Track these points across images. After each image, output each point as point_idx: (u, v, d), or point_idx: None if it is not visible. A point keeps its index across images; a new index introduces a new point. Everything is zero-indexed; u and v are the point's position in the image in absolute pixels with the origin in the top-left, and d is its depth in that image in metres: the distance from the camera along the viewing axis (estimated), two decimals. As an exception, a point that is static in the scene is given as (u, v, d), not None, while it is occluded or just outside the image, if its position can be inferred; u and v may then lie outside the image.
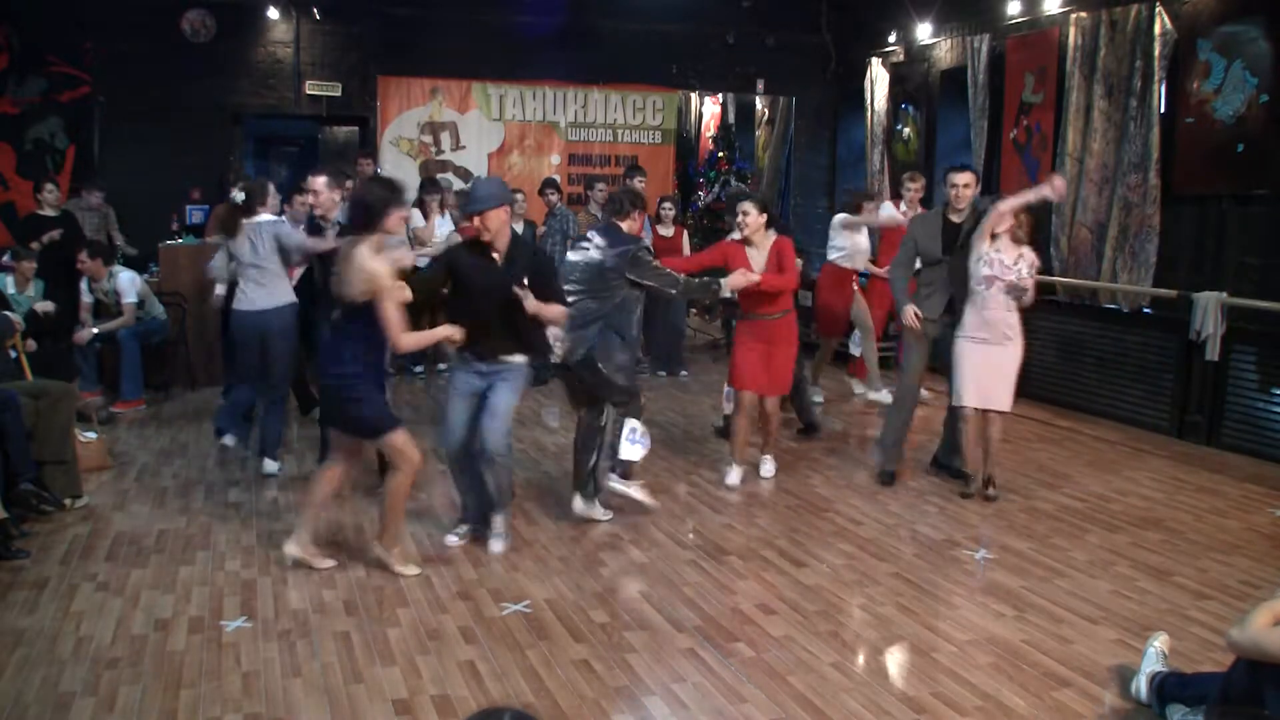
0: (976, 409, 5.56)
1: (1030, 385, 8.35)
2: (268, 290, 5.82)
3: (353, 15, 10.23)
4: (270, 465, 5.97)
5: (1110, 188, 7.68)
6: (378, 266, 4.07)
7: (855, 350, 8.38)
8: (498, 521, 4.80)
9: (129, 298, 7.42)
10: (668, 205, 9.16)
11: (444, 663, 3.69)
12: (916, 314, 5.78)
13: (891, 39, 10.56)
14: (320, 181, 5.72)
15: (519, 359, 4.66)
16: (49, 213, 8.23)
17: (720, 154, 11.73)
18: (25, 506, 4.98)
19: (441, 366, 8.67)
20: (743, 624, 4.07)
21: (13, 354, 6.10)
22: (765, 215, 5.67)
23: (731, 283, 5.49)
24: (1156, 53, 7.21)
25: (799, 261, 6.29)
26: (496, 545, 4.76)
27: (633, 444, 5.28)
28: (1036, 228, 5.90)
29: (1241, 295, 6.68)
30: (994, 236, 5.41)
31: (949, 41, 9.75)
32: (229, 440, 6.19)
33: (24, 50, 9.33)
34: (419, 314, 5.34)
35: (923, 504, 5.62)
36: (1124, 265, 7.56)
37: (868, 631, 4.04)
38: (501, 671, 3.64)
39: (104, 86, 9.54)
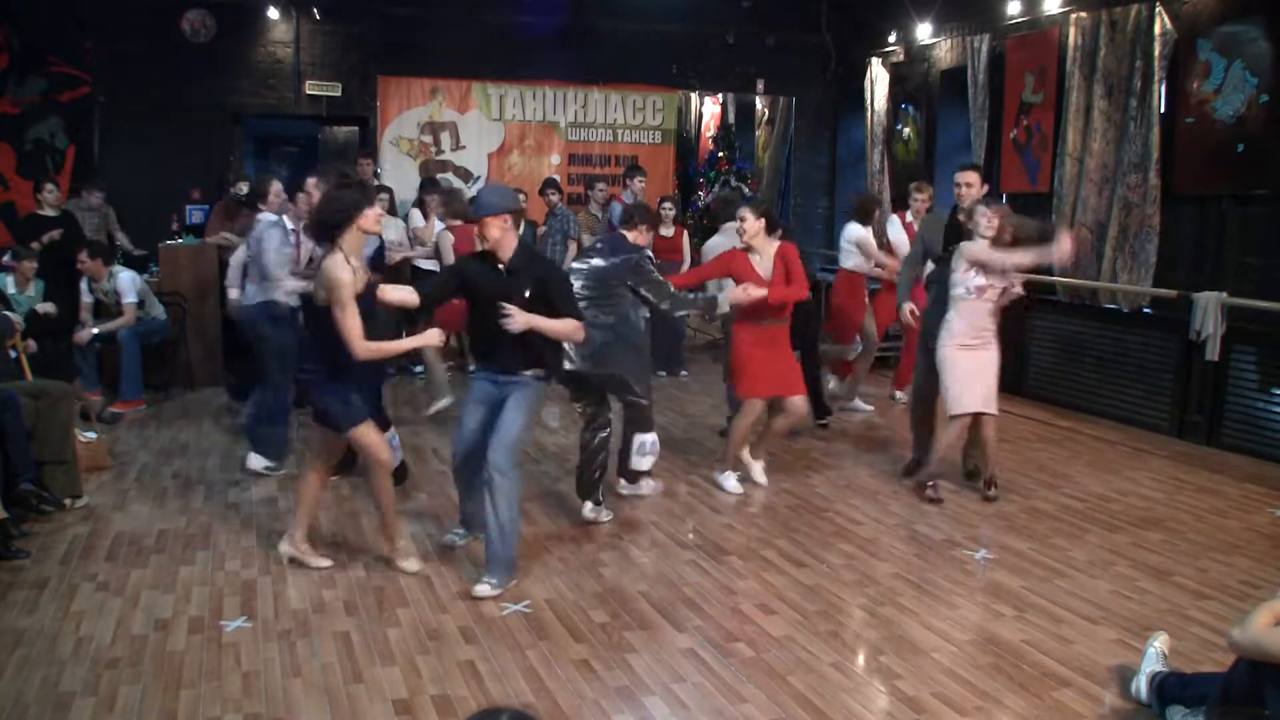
0: (971, 414, 5.55)
1: (1030, 385, 8.39)
2: (259, 287, 5.88)
3: (353, 15, 10.23)
4: (255, 461, 5.98)
5: (1110, 188, 7.68)
6: (342, 275, 4.12)
7: (852, 354, 8.35)
8: (492, 567, 4.34)
9: (129, 298, 7.42)
10: (668, 205, 9.15)
11: (444, 663, 3.69)
12: (913, 312, 5.87)
13: (891, 39, 10.56)
14: (311, 183, 5.76)
15: (530, 373, 4.44)
16: (49, 213, 8.23)
17: (720, 154, 11.74)
18: (25, 506, 4.98)
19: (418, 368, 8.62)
20: (743, 624, 4.07)
21: (13, 354, 6.11)
22: (764, 220, 5.56)
23: (734, 299, 5.45)
24: (1156, 53, 7.21)
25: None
26: (482, 589, 4.27)
27: (642, 456, 5.54)
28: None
29: (1241, 295, 6.68)
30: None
31: (949, 41, 9.75)
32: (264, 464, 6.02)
33: (24, 50, 9.33)
34: (420, 317, 5.37)
35: (923, 504, 5.62)
36: (1124, 265, 7.56)
37: (868, 631, 4.04)
38: (501, 671, 3.64)
39: (104, 86, 9.54)
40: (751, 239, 5.57)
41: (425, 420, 7.28)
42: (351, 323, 4.14)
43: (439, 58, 10.37)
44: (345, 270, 4.14)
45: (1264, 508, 5.68)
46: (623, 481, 5.70)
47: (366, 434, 4.39)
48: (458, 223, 7.34)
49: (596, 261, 5.28)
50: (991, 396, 5.52)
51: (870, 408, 7.91)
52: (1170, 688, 3.35)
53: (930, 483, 5.66)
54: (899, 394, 8.23)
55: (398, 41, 10.29)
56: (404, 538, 4.65)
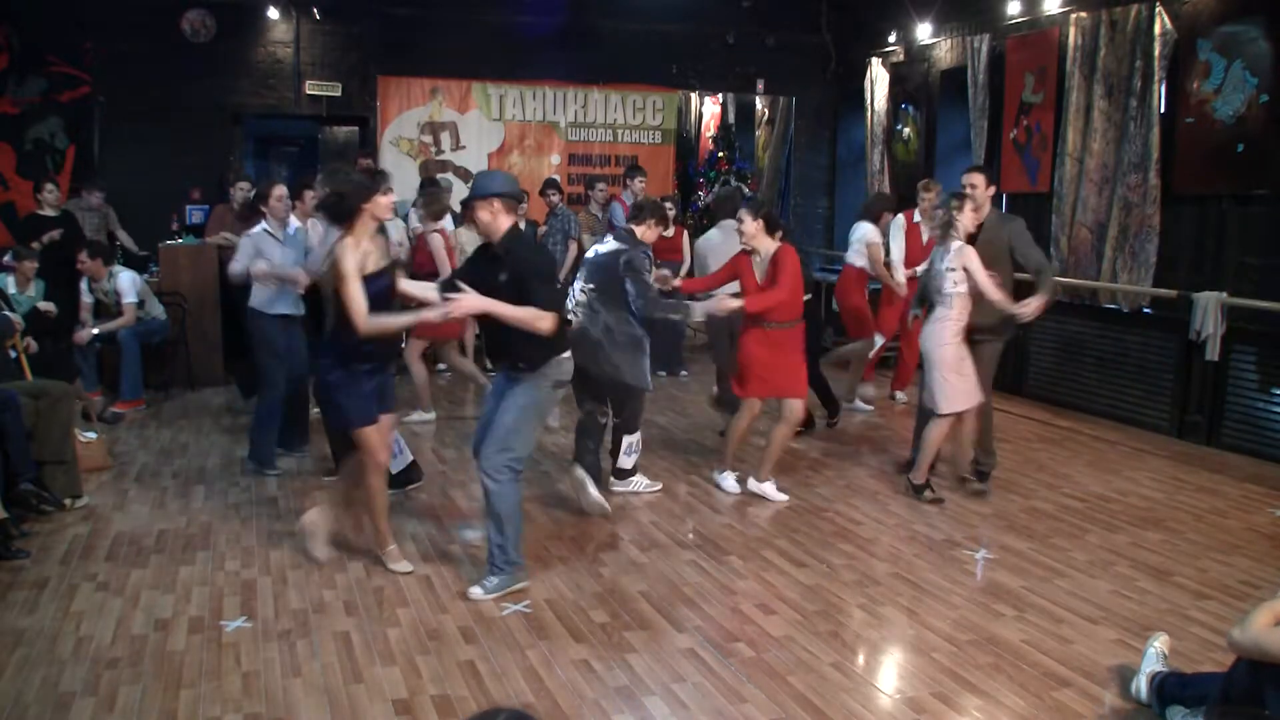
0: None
1: (1030, 385, 8.38)
2: (253, 289, 5.96)
3: (353, 15, 10.23)
4: (250, 463, 6.08)
5: (1110, 188, 7.68)
6: (347, 254, 4.15)
7: (872, 349, 8.31)
8: (488, 569, 4.32)
9: (129, 298, 7.42)
10: (668, 205, 9.16)
11: (444, 663, 3.69)
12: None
13: (891, 39, 10.56)
14: (318, 182, 5.81)
15: (526, 370, 4.29)
16: (49, 213, 8.23)
17: (720, 154, 11.73)
18: (25, 506, 4.98)
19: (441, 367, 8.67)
20: (743, 624, 4.07)
21: (13, 354, 6.11)
22: (761, 221, 5.52)
23: (706, 309, 5.50)
24: (1156, 53, 7.21)
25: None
26: (475, 592, 4.26)
27: (629, 455, 5.73)
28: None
29: (1241, 295, 6.68)
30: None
31: (949, 41, 9.75)
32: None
33: (24, 50, 9.33)
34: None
35: (923, 504, 5.62)
36: (1124, 265, 7.55)
37: (868, 631, 4.04)
38: (501, 671, 3.64)
39: (104, 86, 9.54)
40: (750, 240, 5.56)
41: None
42: (355, 295, 4.12)
43: (439, 58, 10.37)
44: (353, 251, 4.16)
45: (1264, 508, 5.68)
46: (614, 479, 5.76)
47: (371, 435, 4.38)
48: (439, 224, 7.39)
49: (600, 255, 5.44)
50: (976, 389, 5.56)
51: (870, 408, 7.90)
52: (1170, 688, 3.35)
53: (923, 483, 5.66)
54: (899, 394, 8.22)
55: (398, 41, 10.29)
56: (393, 541, 4.63)
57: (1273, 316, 6.46)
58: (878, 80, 10.73)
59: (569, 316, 5.45)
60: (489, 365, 7.65)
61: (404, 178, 9.97)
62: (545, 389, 4.33)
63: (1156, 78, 7.25)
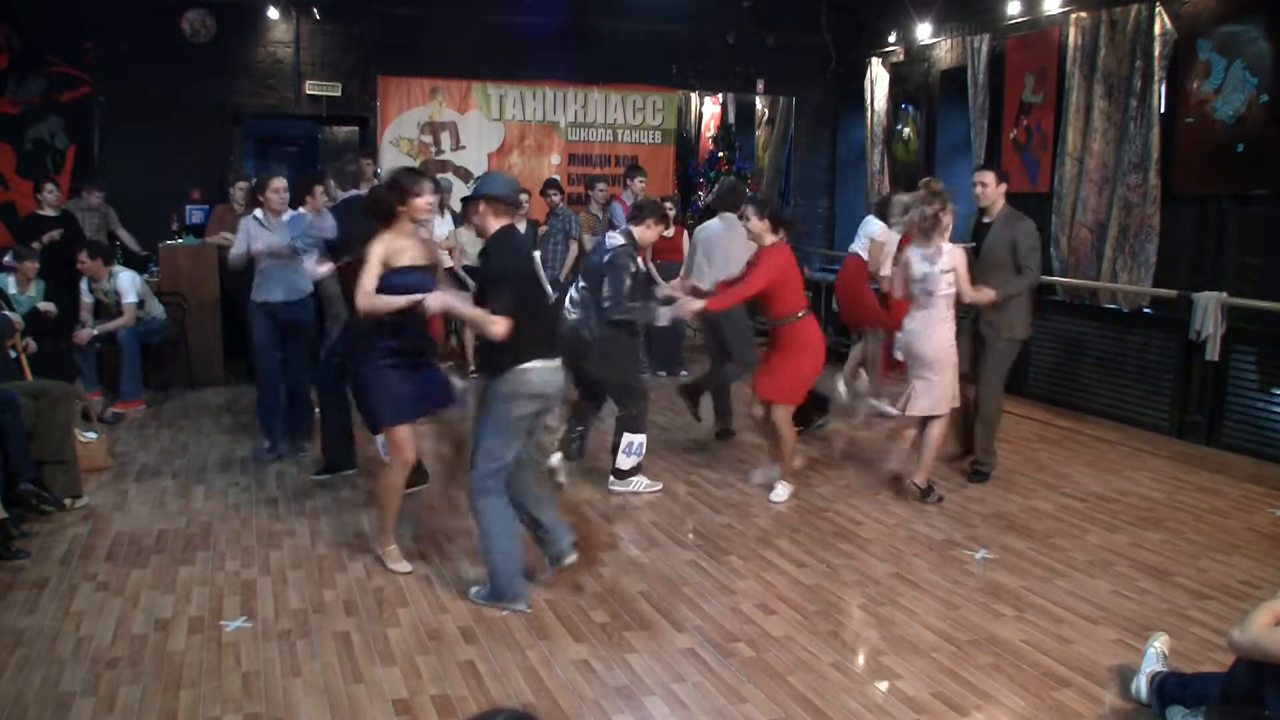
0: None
1: (1030, 385, 8.38)
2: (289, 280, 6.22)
3: (353, 15, 10.23)
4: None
5: (1110, 188, 7.67)
6: (374, 245, 4.26)
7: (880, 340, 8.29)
8: (489, 575, 4.24)
9: (129, 298, 7.42)
10: (668, 205, 9.16)
11: (444, 663, 3.69)
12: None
13: (891, 39, 10.56)
14: (328, 184, 6.16)
15: (486, 376, 4.14)
16: (49, 213, 8.23)
17: (720, 154, 11.73)
18: (25, 506, 4.98)
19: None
20: (743, 624, 4.07)
21: (13, 354, 6.11)
22: (765, 220, 5.53)
23: (670, 314, 5.55)
24: (1156, 53, 7.21)
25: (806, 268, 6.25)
26: (472, 590, 4.26)
27: (629, 455, 5.70)
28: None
29: (1241, 295, 6.68)
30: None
31: (949, 41, 9.75)
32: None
33: (24, 50, 9.32)
34: None
35: (923, 504, 5.62)
36: (1124, 265, 7.55)
37: (868, 631, 4.04)
38: (501, 671, 3.64)
39: (104, 86, 9.54)
40: (757, 238, 5.59)
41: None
42: (365, 277, 4.22)
43: (439, 58, 10.36)
44: (381, 244, 4.27)
45: (1264, 508, 5.68)
46: (613, 479, 5.75)
47: (399, 433, 4.43)
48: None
49: (593, 257, 5.50)
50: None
51: (895, 410, 7.86)
52: (1170, 688, 3.35)
53: (928, 485, 5.66)
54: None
55: (398, 41, 10.29)
56: (395, 542, 4.63)
57: (1273, 316, 6.46)
58: (878, 80, 10.73)
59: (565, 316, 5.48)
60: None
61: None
62: (503, 400, 4.06)
63: (1156, 78, 7.25)
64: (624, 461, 5.71)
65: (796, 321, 5.58)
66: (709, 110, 13.65)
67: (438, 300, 4.16)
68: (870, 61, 10.77)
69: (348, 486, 5.74)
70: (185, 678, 3.55)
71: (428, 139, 10.39)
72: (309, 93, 10.22)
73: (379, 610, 4.14)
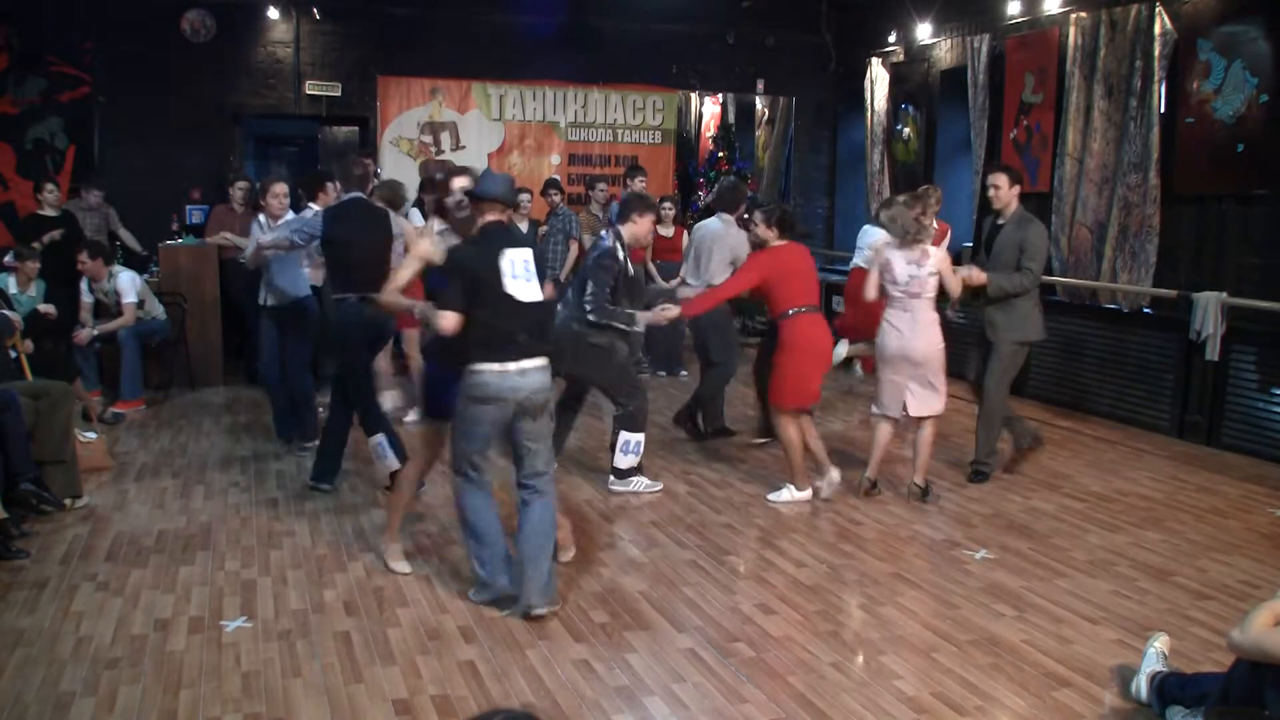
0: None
1: (1030, 385, 8.37)
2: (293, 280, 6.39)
3: (353, 15, 10.23)
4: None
5: (1110, 188, 7.68)
6: (419, 240, 4.33)
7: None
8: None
9: (129, 298, 7.42)
10: (668, 205, 9.17)
11: (444, 663, 3.69)
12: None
13: (891, 39, 10.56)
14: (335, 185, 6.27)
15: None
16: (49, 213, 8.23)
17: (720, 154, 11.72)
18: (25, 506, 4.98)
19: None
20: (743, 624, 4.07)
21: (13, 354, 6.11)
22: (771, 228, 5.54)
23: (647, 319, 5.52)
24: (1156, 53, 7.21)
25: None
26: (471, 593, 4.26)
27: (626, 454, 5.68)
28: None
29: (1241, 295, 6.68)
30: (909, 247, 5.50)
31: (949, 41, 9.75)
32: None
33: (24, 50, 9.32)
34: None
35: (923, 504, 5.62)
36: (1124, 265, 7.56)
37: (868, 631, 4.04)
38: (501, 671, 3.64)
39: (104, 86, 9.54)
40: (763, 243, 5.62)
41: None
42: (401, 268, 4.29)
43: (439, 58, 10.36)
44: (426, 240, 4.29)
45: (1264, 508, 5.68)
46: (612, 479, 5.75)
47: (426, 428, 4.51)
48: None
49: (588, 257, 5.53)
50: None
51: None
52: (1170, 688, 3.35)
53: (926, 484, 5.67)
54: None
55: (398, 41, 10.29)
56: (399, 540, 4.63)
57: (1273, 316, 6.46)
58: (878, 80, 10.73)
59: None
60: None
61: (404, 178, 9.97)
62: (462, 402, 4.01)
63: (1156, 78, 7.25)
64: (622, 460, 5.69)
65: (784, 320, 5.54)
66: (709, 110, 13.64)
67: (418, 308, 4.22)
68: (870, 61, 10.77)
69: (348, 487, 5.74)
70: (185, 678, 3.55)
71: (428, 139, 10.39)
72: (309, 93, 10.22)
73: (379, 610, 4.14)
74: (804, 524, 5.29)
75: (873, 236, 7.69)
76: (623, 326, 5.43)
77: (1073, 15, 7.95)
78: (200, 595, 4.25)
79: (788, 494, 5.62)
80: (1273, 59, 6.49)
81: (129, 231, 8.94)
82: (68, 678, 3.53)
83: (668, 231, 9.03)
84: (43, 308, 7.09)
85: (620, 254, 5.43)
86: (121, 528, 5.05)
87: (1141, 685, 3.45)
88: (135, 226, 9.01)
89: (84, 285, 7.47)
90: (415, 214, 8.93)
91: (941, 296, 5.82)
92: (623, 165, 10.41)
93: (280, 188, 6.53)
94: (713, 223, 6.82)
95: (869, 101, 10.82)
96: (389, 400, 6.65)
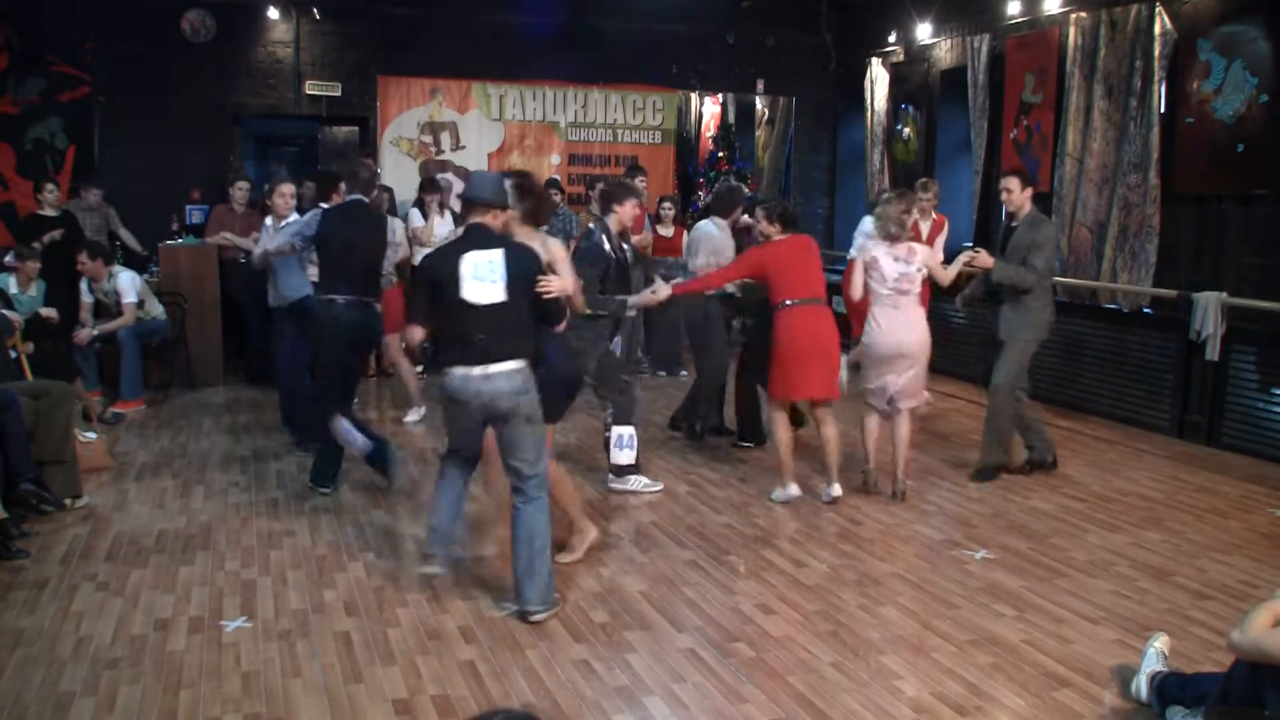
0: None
1: (1031, 385, 8.36)
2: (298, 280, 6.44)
3: (353, 15, 10.23)
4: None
5: (1110, 188, 7.68)
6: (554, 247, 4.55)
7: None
8: None
9: (129, 298, 7.42)
10: (668, 205, 9.17)
11: (444, 663, 3.69)
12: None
13: (891, 39, 10.56)
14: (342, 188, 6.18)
15: None
16: (49, 213, 8.23)
17: (720, 154, 11.72)
18: (25, 506, 4.98)
19: None
20: (743, 624, 4.07)
21: (13, 354, 6.11)
22: (774, 223, 5.54)
23: (635, 302, 5.51)
24: (1156, 53, 7.21)
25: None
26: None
27: (620, 449, 5.65)
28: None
29: (1241, 295, 6.68)
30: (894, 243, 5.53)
31: (949, 41, 9.75)
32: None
33: (24, 50, 9.32)
34: None
35: (923, 504, 5.62)
36: (1124, 265, 7.56)
37: (868, 631, 4.04)
38: (501, 671, 3.64)
39: (104, 86, 9.54)
40: (766, 238, 5.62)
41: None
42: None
43: (439, 58, 10.36)
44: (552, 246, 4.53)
45: (1264, 508, 5.68)
46: (611, 476, 5.76)
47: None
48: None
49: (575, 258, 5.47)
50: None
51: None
52: (1170, 688, 3.35)
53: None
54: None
55: (398, 41, 10.29)
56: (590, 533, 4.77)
57: (1273, 316, 6.46)
58: (878, 80, 10.73)
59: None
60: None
61: (404, 178, 10.00)
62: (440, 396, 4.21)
63: (1156, 78, 7.25)
64: (617, 456, 5.66)
65: (779, 311, 5.48)
66: (709, 110, 13.65)
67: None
68: (870, 61, 10.77)
69: (348, 487, 5.74)
70: (185, 678, 3.55)
71: (428, 139, 10.39)
72: (309, 93, 10.23)
73: (379, 610, 4.14)
74: (804, 524, 5.29)
75: (867, 226, 7.71)
76: (615, 315, 5.43)
77: (1073, 15, 7.95)
78: (200, 595, 4.25)
79: (779, 493, 5.63)
80: (1273, 59, 6.49)
81: (129, 231, 8.93)
82: (68, 678, 3.53)
83: (667, 231, 9.04)
84: (45, 312, 7.10)
85: (606, 245, 5.35)
86: (121, 528, 5.05)
87: (1141, 685, 3.45)
88: (135, 226, 9.01)
89: (84, 285, 7.46)
90: (415, 214, 8.97)
91: (947, 292, 5.85)
92: (623, 165, 10.41)
93: (287, 188, 6.65)
94: (706, 224, 6.82)
95: (869, 101, 10.82)
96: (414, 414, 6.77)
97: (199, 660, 3.68)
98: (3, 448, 4.84)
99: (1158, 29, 7.19)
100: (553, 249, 4.58)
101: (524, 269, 4.05)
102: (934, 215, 7.75)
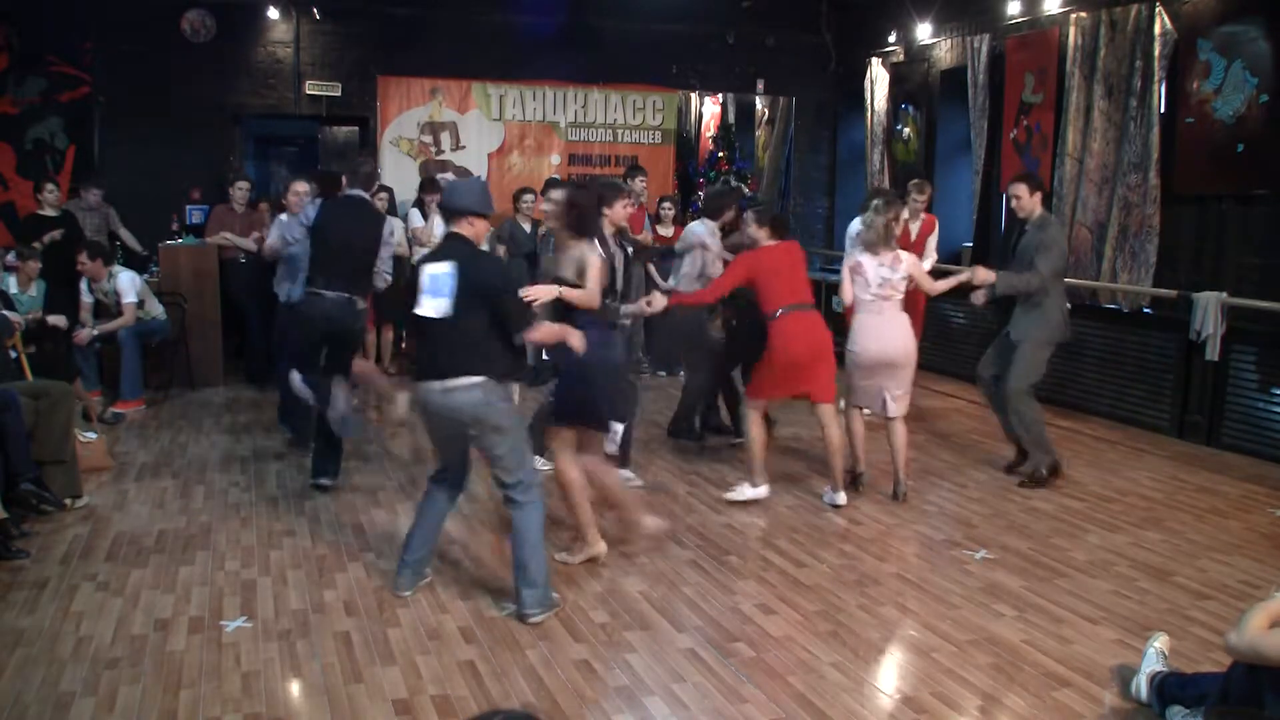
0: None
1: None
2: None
3: (353, 15, 10.23)
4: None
5: (1110, 188, 7.68)
6: (592, 258, 4.50)
7: None
8: None
9: (129, 298, 7.42)
10: (667, 205, 9.17)
11: (444, 663, 3.69)
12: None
13: (891, 39, 10.56)
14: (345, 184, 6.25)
15: None
16: (49, 213, 8.23)
17: (720, 154, 11.72)
18: (25, 506, 4.98)
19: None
20: (743, 624, 4.07)
21: (13, 354, 6.11)
22: (763, 228, 5.54)
23: (629, 310, 5.47)
24: (1156, 53, 7.22)
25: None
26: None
27: (610, 443, 5.53)
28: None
29: (1241, 295, 6.68)
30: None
31: (949, 41, 9.75)
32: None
33: (24, 50, 9.32)
34: None
35: (923, 504, 5.63)
36: (1124, 265, 7.56)
37: (868, 631, 4.04)
38: (501, 671, 3.64)
39: (104, 86, 9.54)
40: (754, 243, 5.62)
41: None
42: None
43: (439, 58, 10.36)
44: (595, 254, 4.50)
45: (1264, 508, 5.68)
46: None
47: (563, 432, 4.62)
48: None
49: None
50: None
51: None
52: (1170, 688, 3.36)
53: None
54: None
55: (398, 41, 10.29)
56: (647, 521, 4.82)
57: (1273, 316, 6.46)
58: (878, 80, 10.73)
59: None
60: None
61: (404, 178, 10.00)
62: None
63: (1156, 78, 7.25)
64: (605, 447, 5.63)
65: (772, 322, 5.45)
66: (709, 110, 13.64)
67: None
68: (870, 61, 10.77)
69: (348, 487, 5.74)
70: (185, 678, 3.55)
71: (428, 139, 10.39)
72: (309, 93, 10.22)
73: (379, 610, 4.14)
74: (804, 524, 5.29)
75: (857, 227, 7.72)
76: (609, 319, 5.38)
77: (1073, 15, 7.95)
78: (200, 595, 4.25)
79: (739, 492, 5.59)
80: (1273, 59, 6.49)
81: (129, 231, 8.93)
82: (68, 678, 3.53)
83: (667, 231, 9.04)
84: (52, 320, 7.11)
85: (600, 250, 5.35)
86: (121, 528, 5.05)
87: (1141, 685, 3.45)
88: (135, 226, 9.00)
89: (84, 285, 7.46)
90: (415, 214, 8.97)
91: (961, 294, 5.86)
92: (623, 165, 10.39)
93: (301, 185, 6.76)
94: (695, 226, 6.83)
95: (869, 101, 10.82)
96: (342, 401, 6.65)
97: (199, 660, 3.68)
98: (3, 448, 4.84)
99: (1158, 29, 7.20)
100: (588, 260, 4.51)
101: (479, 281, 3.90)
102: (923, 215, 7.72)
